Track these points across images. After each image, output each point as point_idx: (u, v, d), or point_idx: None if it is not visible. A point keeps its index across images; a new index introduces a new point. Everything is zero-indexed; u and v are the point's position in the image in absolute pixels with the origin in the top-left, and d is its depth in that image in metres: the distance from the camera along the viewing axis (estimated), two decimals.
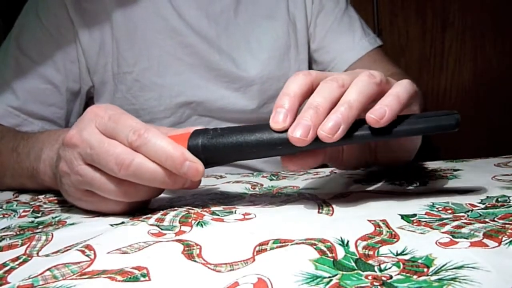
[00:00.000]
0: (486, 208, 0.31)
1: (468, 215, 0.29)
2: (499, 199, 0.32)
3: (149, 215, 0.33)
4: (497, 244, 0.24)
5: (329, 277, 0.21)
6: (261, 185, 0.47)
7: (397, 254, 0.23)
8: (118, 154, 0.33)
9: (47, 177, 0.45)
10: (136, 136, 0.33)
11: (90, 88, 0.71)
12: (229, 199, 0.39)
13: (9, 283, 0.23)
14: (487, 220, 0.28)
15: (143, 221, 0.32)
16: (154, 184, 0.34)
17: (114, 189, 0.34)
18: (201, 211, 0.34)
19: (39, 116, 0.67)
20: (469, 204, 0.32)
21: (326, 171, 0.53)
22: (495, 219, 0.28)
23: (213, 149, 0.34)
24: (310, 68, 0.76)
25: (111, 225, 0.33)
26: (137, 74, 0.68)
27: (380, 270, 0.22)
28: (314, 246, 0.25)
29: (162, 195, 0.43)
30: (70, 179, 0.35)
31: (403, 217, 0.30)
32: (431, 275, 0.21)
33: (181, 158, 0.32)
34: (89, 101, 0.73)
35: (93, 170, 0.34)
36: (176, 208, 0.35)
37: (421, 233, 0.27)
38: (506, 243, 0.24)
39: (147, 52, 0.68)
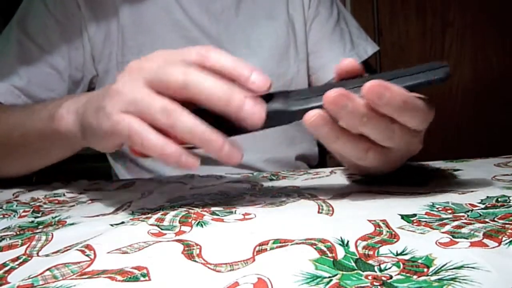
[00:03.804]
0: (486, 208, 0.31)
1: (468, 215, 0.29)
2: (499, 199, 0.32)
3: (149, 215, 0.33)
4: (497, 244, 0.24)
5: (329, 277, 0.21)
6: (261, 185, 0.47)
7: (397, 254, 0.23)
8: (188, 70, 0.33)
9: (65, 119, 0.45)
10: (204, 51, 0.34)
11: (93, 78, 0.71)
12: (229, 199, 0.39)
13: (9, 283, 0.23)
14: (487, 220, 0.28)
15: (143, 221, 0.32)
16: (213, 99, 0.33)
17: (162, 108, 0.33)
18: (201, 211, 0.34)
19: (39, 100, 0.67)
20: (469, 204, 0.32)
21: (326, 171, 0.53)
22: (495, 219, 0.28)
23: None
24: (308, 68, 0.76)
25: (111, 225, 0.33)
26: None
27: (380, 270, 0.22)
28: (314, 246, 0.25)
29: (162, 195, 0.43)
30: (120, 98, 0.35)
31: (403, 217, 0.30)
32: (431, 275, 0.21)
33: (250, 67, 0.33)
34: (90, 91, 0.73)
35: (152, 91, 0.34)
36: (176, 208, 0.35)
37: (421, 233, 0.27)
38: (506, 243, 0.24)
39: (151, 43, 0.69)
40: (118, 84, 0.35)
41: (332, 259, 0.23)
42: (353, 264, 0.23)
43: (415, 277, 0.21)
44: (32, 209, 0.42)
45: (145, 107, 0.34)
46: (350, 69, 0.33)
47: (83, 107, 0.41)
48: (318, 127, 0.31)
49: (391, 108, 0.31)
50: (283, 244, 0.26)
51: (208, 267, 0.23)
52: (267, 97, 0.34)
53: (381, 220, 0.29)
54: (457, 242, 0.24)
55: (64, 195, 0.48)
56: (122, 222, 0.33)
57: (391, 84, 0.30)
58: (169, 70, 0.34)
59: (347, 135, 0.32)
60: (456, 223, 0.28)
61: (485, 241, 0.24)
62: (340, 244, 0.25)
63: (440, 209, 0.31)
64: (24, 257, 0.28)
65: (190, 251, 0.26)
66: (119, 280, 0.22)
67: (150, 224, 0.31)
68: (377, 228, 0.28)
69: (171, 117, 0.33)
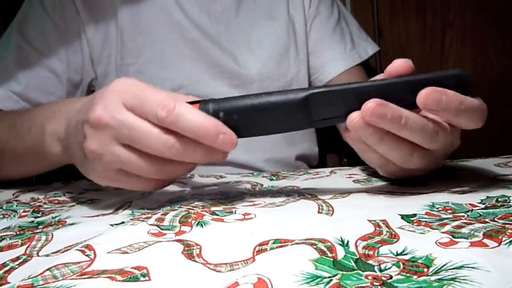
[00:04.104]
0: (486, 208, 0.31)
1: (468, 215, 0.29)
2: (499, 199, 0.32)
3: (149, 215, 0.33)
4: (497, 244, 0.24)
5: (329, 277, 0.21)
6: (261, 185, 0.47)
7: (397, 254, 0.23)
8: (159, 135, 0.34)
9: (54, 150, 0.45)
10: (166, 113, 0.33)
11: (92, 80, 0.71)
12: (229, 199, 0.39)
13: (9, 283, 0.23)
14: (487, 220, 0.28)
15: (143, 221, 0.32)
16: (194, 158, 0.34)
17: (153, 168, 0.35)
18: (201, 211, 0.34)
19: (38, 104, 0.67)
20: (469, 204, 0.32)
21: (326, 171, 0.53)
22: (495, 219, 0.28)
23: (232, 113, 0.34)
24: (309, 68, 0.76)
25: (111, 225, 0.33)
26: (139, 66, 0.69)
27: (380, 270, 0.22)
28: (314, 246, 0.25)
29: (162, 195, 0.43)
30: (103, 159, 0.35)
31: (403, 217, 0.30)
32: (431, 275, 0.21)
33: (216, 131, 0.33)
34: (90, 94, 0.73)
35: (128, 150, 0.35)
36: (176, 208, 0.35)
37: (421, 233, 0.27)
38: (506, 243, 0.24)
39: (150, 44, 0.69)
40: (93, 145, 0.36)
41: (332, 259, 0.23)
42: (353, 264, 0.23)
43: (415, 277, 0.21)
44: (32, 209, 0.42)
45: (139, 171, 0.35)
46: (403, 70, 0.33)
47: (66, 141, 0.42)
48: (360, 129, 0.31)
49: (448, 112, 0.31)
50: (283, 244, 0.26)
51: (208, 267, 0.23)
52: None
53: (381, 220, 0.29)
54: (457, 242, 0.24)
55: (64, 195, 0.48)
56: (122, 222, 0.33)
57: (445, 89, 0.31)
58: (143, 137, 0.34)
59: (390, 136, 0.32)
60: (456, 223, 0.28)
61: (485, 241, 0.24)
62: (340, 244, 0.25)
63: (440, 209, 0.31)
64: (24, 257, 0.28)
65: (190, 251, 0.26)
66: (119, 280, 0.22)
67: (150, 224, 0.31)
68: (377, 228, 0.28)
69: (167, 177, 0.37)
